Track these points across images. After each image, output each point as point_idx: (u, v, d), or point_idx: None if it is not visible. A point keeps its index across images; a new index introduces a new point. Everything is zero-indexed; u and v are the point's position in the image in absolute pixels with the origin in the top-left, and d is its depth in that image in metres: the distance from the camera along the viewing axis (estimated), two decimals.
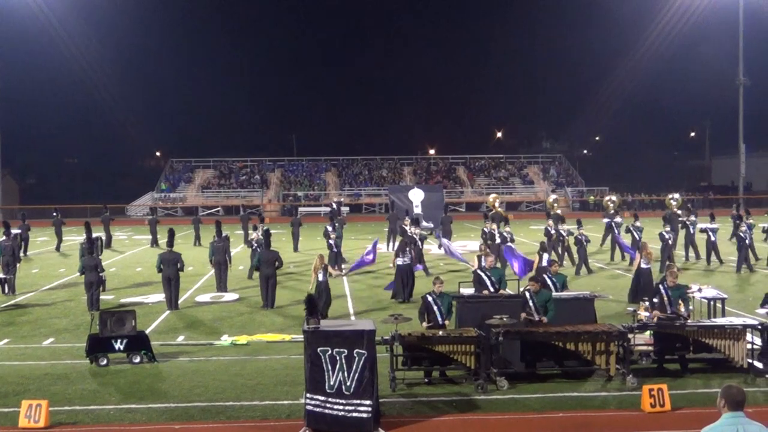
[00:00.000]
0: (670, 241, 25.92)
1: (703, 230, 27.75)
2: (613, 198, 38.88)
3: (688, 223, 28.62)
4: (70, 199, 67.07)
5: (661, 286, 14.17)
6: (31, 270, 28.89)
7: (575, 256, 26.66)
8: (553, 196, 41.77)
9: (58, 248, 36.48)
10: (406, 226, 28.16)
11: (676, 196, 37.48)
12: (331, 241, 25.54)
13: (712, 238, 27.31)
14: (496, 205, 38.69)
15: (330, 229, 27.20)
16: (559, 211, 35.37)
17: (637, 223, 27.85)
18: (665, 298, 13.93)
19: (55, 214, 38.86)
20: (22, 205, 61.73)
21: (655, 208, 63.30)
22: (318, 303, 11.50)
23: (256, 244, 24.80)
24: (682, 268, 25.86)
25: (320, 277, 18.25)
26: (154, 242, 37.61)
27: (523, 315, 13.53)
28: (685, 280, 21.23)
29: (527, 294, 13.83)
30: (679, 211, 33.08)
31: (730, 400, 5.96)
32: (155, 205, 66.01)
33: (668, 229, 26.38)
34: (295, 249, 33.73)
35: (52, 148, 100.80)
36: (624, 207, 55.40)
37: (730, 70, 67.54)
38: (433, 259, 29.18)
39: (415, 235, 25.95)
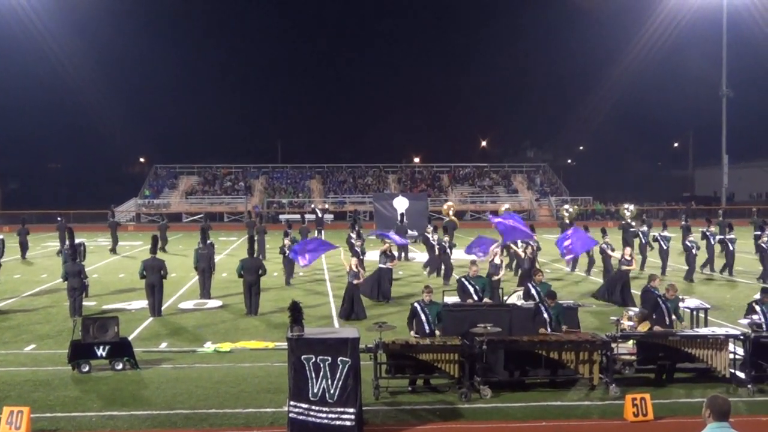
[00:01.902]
0: (693, 251, 25.99)
1: (721, 240, 27.79)
2: (569, 208, 39.02)
3: (708, 234, 28.48)
4: (53, 204, 66.65)
5: (660, 300, 14.32)
6: (12, 275, 28.70)
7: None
8: (505, 206, 41.91)
9: (59, 253, 36.42)
10: (429, 234, 28.10)
11: (631, 207, 37.76)
12: (357, 249, 25.65)
13: (730, 248, 27.41)
14: (450, 213, 38.77)
15: (354, 236, 27.29)
16: None
17: (665, 233, 27.87)
18: (664, 310, 14.11)
19: (60, 219, 39.10)
20: (4, 210, 61.36)
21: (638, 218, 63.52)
22: (302, 310, 11.46)
23: (288, 251, 25.10)
24: (707, 279, 26.14)
25: (350, 279, 19.79)
26: (162, 248, 37.69)
27: (542, 330, 13.51)
28: (712, 290, 21.59)
29: (542, 307, 13.83)
30: (633, 222, 33.30)
31: (716, 410, 6.06)
32: (139, 211, 65.85)
33: (691, 238, 26.35)
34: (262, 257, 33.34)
35: (35, 153, 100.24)
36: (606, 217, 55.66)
37: (713, 81, 68.07)
38: (419, 266, 29.18)
39: (444, 243, 25.93)
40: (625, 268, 21.33)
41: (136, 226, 59.73)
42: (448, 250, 25.89)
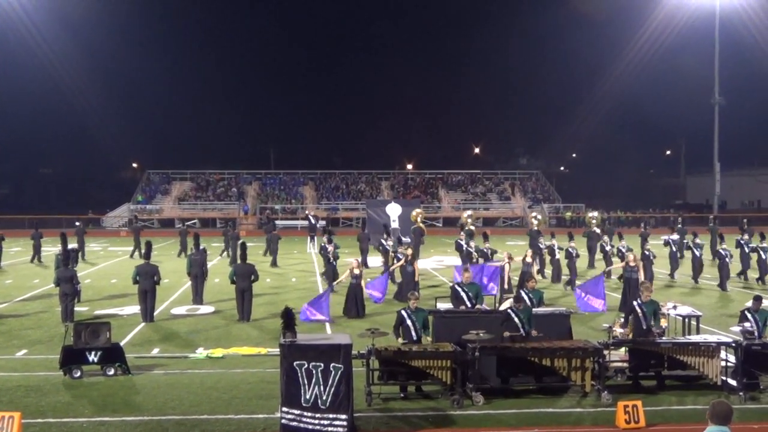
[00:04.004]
0: (727, 259, 25.92)
1: (753, 249, 27.72)
2: (538, 216, 39.10)
3: (742, 242, 28.30)
4: (44, 209, 66.49)
5: (635, 303, 14.27)
6: (4, 281, 28.62)
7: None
8: (468, 212, 42.08)
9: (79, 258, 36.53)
10: (461, 240, 28.05)
11: (595, 213, 37.92)
12: (399, 255, 25.82)
13: (763, 257, 27.30)
14: (419, 220, 38.98)
15: (390, 243, 27.67)
16: (473, 227, 35.52)
17: (698, 240, 27.76)
18: (640, 314, 14.03)
19: (78, 224, 39.34)
20: None
21: (631, 225, 63.74)
22: (294, 316, 11.47)
23: (332, 257, 25.37)
24: (745, 288, 26.10)
25: (353, 280, 20.86)
26: (183, 252, 37.65)
27: (507, 333, 13.50)
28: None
29: (512, 312, 13.83)
30: (598, 230, 33.30)
31: (715, 413, 6.33)
32: (132, 217, 65.63)
33: (725, 246, 26.24)
34: (231, 262, 33.07)
35: (27, 158, 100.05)
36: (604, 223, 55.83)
37: (705, 89, 68.38)
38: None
39: (486, 251, 25.79)
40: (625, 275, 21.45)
41: (128, 232, 59.51)
42: (489, 256, 25.76)
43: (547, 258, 28.45)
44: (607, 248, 28.44)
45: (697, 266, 27.55)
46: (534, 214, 40.66)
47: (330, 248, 25.80)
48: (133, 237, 39.23)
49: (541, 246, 28.34)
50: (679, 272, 29.08)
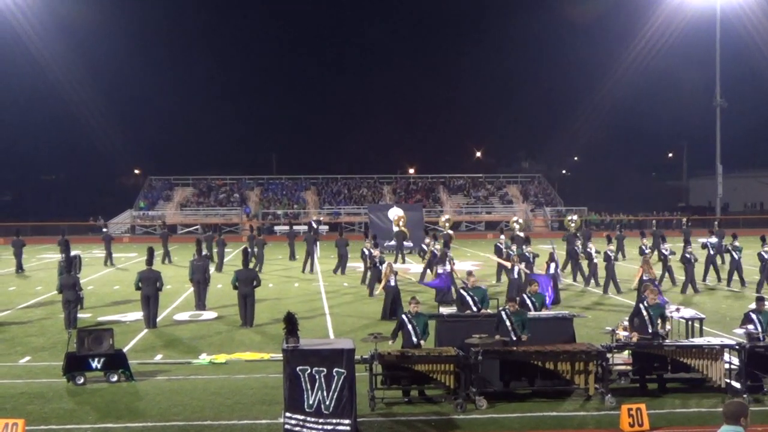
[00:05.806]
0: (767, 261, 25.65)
1: (726, 250, 27.61)
2: (519, 220, 39.13)
3: None
4: (47, 216, 66.55)
5: (641, 305, 14.23)
6: (7, 288, 28.63)
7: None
8: (445, 216, 42.27)
9: (107, 263, 37.03)
10: (501, 245, 27.97)
11: (575, 218, 38.00)
12: (434, 249, 26.49)
13: (736, 257, 27.11)
14: (401, 224, 39.28)
15: (436, 247, 27.88)
16: (450, 231, 35.60)
17: (736, 243, 27.54)
18: (646, 317, 13.98)
19: (105, 230, 39.63)
20: None
21: (633, 228, 63.64)
22: (297, 318, 11.47)
23: (378, 261, 25.29)
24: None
25: (391, 282, 21.07)
26: (210, 258, 37.60)
27: (497, 336, 13.44)
28: None
29: (503, 314, 13.80)
30: (578, 233, 33.16)
31: (726, 413, 6.57)
32: (134, 223, 65.71)
33: (767, 249, 25.94)
34: (218, 269, 33.10)
35: (29, 165, 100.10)
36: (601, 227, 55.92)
37: (707, 92, 68.35)
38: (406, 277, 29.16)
39: (528, 255, 25.36)
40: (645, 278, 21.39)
41: (131, 238, 59.62)
42: (530, 261, 25.32)
43: (584, 262, 28.24)
44: (589, 251, 28.32)
45: (733, 270, 27.03)
46: (515, 218, 40.65)
47: (376, 253, 25.74)
48: (162, 243, 39.22)
49: (578, 250, 28.27)
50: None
